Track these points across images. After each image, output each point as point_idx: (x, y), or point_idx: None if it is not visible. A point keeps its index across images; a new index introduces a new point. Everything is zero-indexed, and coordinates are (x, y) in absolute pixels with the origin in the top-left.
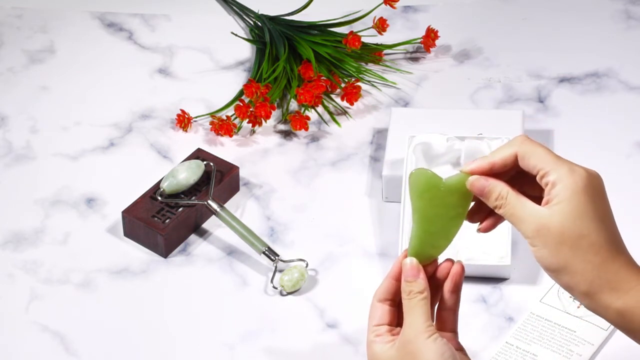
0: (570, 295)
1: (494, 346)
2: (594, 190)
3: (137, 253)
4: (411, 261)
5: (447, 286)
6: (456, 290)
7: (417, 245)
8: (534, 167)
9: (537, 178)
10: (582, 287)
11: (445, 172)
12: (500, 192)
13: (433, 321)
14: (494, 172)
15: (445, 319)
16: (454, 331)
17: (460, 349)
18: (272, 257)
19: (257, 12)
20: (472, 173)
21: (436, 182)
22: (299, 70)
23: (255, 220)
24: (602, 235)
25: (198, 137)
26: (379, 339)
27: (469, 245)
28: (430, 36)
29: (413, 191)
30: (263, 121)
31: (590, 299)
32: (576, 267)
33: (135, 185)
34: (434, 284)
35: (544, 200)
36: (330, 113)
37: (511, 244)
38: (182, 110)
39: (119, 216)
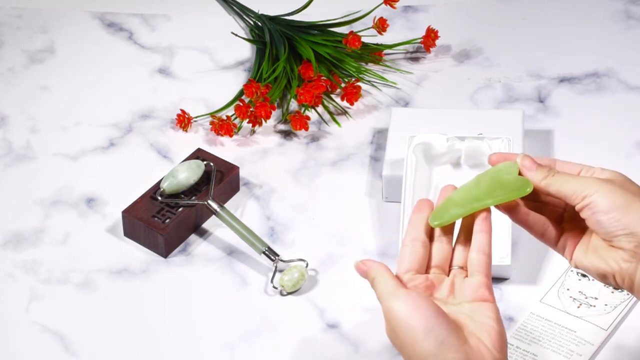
0: (571, 295)
1: None
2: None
3: (137, 253)
4: (359, 265)
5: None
6: (479, 231)
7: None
8: (572, 194)
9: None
10: (633, 245)
11: (446, 172)
12: (548, 171)
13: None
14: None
15: (472, 261)
16: (487, 286)
17: (486, 299)
18: (272, 257)
19: (257, 12)
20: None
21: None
22: (299, 70)
23: (255, 220)
24: None
25: (198, 137)
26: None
27: None
28: (430, 36)
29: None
30: (263, 121)
31: None
32: (636, 222)
33: (135, 185)
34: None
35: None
36: (330, 113)
37: (511, 244)
38: (182, 110)
39: (119, 216)
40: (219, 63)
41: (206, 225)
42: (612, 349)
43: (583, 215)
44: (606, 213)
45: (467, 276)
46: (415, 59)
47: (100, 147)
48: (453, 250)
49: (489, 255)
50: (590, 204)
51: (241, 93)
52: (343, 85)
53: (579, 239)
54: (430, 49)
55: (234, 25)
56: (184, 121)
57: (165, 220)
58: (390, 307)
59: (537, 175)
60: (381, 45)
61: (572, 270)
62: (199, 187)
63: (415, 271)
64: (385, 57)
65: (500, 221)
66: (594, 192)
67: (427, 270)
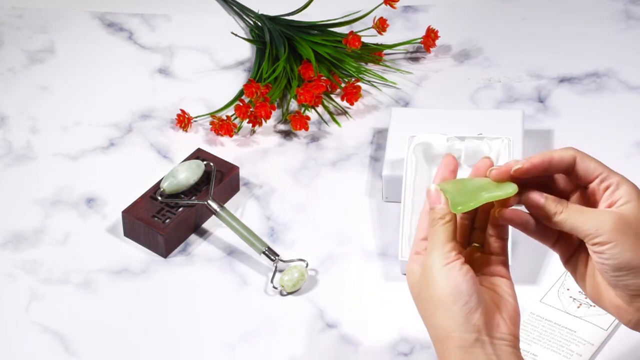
0: (571, 295)
1: None
2: None
3: (137, 253)
4: (434, 188)
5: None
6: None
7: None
8: (594, 169)
9: (596, 182)
10: None
11: None
12: (557, 204)
13: (463, 249)
14: (540, 170)
15: (492, 247)
16: (504, 263)
17: (503, 275)
18: (272, 257)
19: (257, 12)
20: (529, 165)
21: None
22: (299, 70)
23: (255, 220)
24: None
25: (198, 137)
26: (416, 257)
27: None
28: (430, 36)
29: None
30: (263, 121)
31: None
32: None
33: (135, 185)
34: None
35: (605, 204)
36: (330, 113)
37: (511, 245)
38: (182, 110)
39: (119, 216)
40: (219, 63)
41: (206, 225)
42: (612, 349)
43: (592, 257)
44: (615, 270)
45: (484, 253)
46: (415, 59)
47: (100, 147)
48: (471, 227)
49: (507, 240)
50: (602, 255)
51: (241, 93)
52: (343, 85)
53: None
54: (430, 49)
55: (234, 25)
56: (184, 121)
57: (165, 220)
58: (447, 267)
59: (547, 211)
60: (381, 45)
61: None
62: (199, 187)
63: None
64: (385, 57)
65: None
66: (607, 240)
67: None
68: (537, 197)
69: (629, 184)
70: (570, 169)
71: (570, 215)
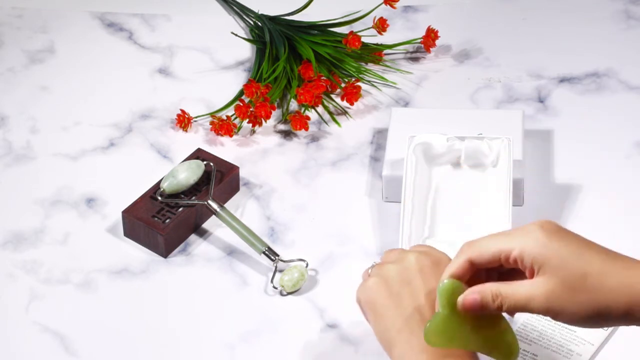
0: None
1: None
2: (555, 231)
3: (137, 253)
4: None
5: None
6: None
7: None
8: (493, 259)
9: (505, 264)
10: (621, 315)
11: (446, 172)
12: (492, 292)
13: None
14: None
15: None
16: None
17: None
18: (272, 257)
19: (257, 12)
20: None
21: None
22: (299, 70)
23: (255, 220)
24: (599, 259)
25: (198, 137)
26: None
27: None
28: (430, 36)
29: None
30: (263, 121)
31: (636, 318)
32: (604, 303)
33: (135, 185)
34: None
35: (528, 275)
36: (330, 113)
37: None
38: (182, 110)
39: (119, 216)
40: (219, 63)
41: (206, 225)
42: (612, 349)
43: None
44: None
45: None
46: (415, 59)
47: (100, 147)
48: None
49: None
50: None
51: (241, 93)
52: (343, 85)
53: None
54: (430, 49)
55: (234, 25)
56: (184, 121)
57: (165, 220)
58: None
59: (488, 306)
60: (381, 45)
61: None
62: (199, 187)
63: None
64: (385, 57)
65: (501, 221)
66: (543, 308)
67: None
68: (473, 297)
69: (528, 246)
70: (490, 264)
71: (505, 300)
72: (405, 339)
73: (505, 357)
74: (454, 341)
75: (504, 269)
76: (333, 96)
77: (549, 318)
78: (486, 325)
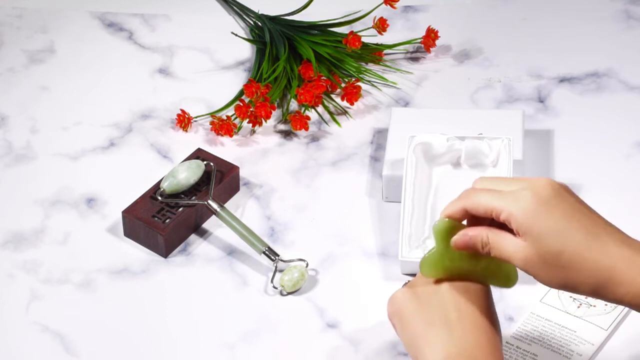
0: (571, 295)
1: None
2: (546, 201)
3: (137, 253)
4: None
5: None
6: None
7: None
8: (485, 214)
9: (496, 220)
10: (588, 292)
11: (446, 172)
12: (482, 239)
13: None
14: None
15: None
16: None
17: None
18: (272, 257)
19: (257, 12)
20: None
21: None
22: (299, 70)
23: (255, 220)
24: (577, 238)
25: (198, 137)
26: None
27: None
28: (430, 36)
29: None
30: (263, 121)
31: (601, 296)
32: (574, 280)
33: (135, 185)
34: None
35: (516, 234)
36: (330, 113)
37: None
38: (182, 110)
39: (119, 216)
40: (219, 63)
41: (206, 225)
42: (612, 349)
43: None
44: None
45: None
46: (415, 59)
47: (100, 147)
48: None
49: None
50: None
51: (241, 93)
52: (343, 85)
53: None
54: (430, 49)
55: (234, 25)
56: (184, 121)
57: (165, 220)
58: None
59: (478, 251)
60: (381, 45)
61: None
62: (199, 187)
63: None
64: (385, 57)
65: None
66: (523, 266)
67: None
68: (465, 239)
69: (515, 213)
70: (484, 216)
71: (492, 249)
72: (432, 341)
73: (504, 283)
74: (448, 271)
75: None
76: (333, 96)
77: (549, 318)
78: (482, 257)
